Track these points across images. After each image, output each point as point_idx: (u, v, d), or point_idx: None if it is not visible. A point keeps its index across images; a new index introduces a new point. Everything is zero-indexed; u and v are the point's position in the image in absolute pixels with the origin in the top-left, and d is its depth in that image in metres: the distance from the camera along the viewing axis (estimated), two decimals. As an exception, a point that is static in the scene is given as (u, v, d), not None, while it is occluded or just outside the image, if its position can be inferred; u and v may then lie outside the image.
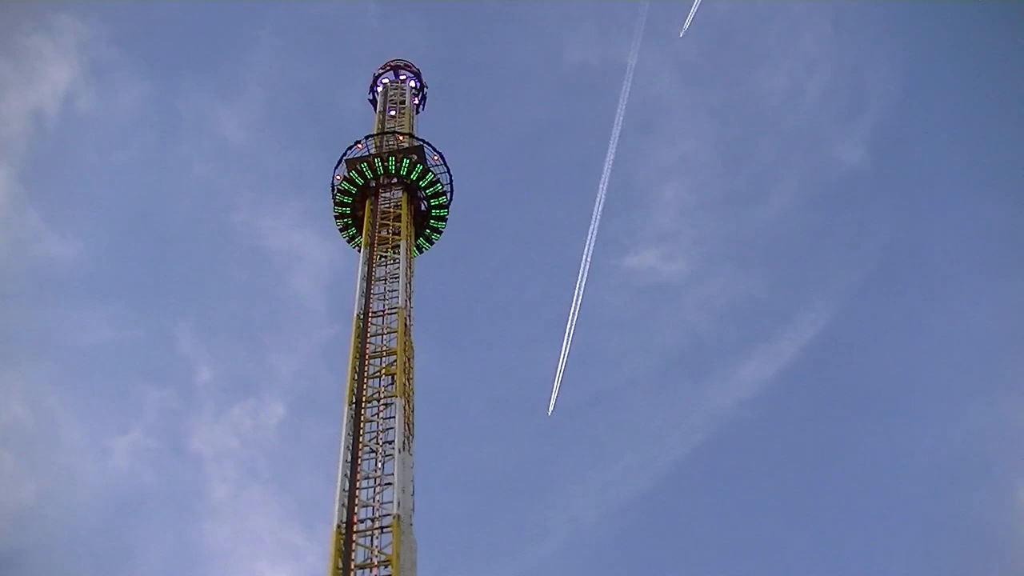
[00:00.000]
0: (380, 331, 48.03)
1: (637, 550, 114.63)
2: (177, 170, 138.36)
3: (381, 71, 68.57)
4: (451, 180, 58.48)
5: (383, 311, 49.19)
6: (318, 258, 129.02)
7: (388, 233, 54.09)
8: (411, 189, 57.28)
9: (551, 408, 67.58)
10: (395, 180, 57.02)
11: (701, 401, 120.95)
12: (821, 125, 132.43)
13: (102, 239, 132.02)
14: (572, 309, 71.49)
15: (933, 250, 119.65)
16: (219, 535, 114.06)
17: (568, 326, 70.17)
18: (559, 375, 66.53)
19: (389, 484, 40.68)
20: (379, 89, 67.23)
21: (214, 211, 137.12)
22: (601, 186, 79.33)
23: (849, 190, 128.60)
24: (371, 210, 55.89)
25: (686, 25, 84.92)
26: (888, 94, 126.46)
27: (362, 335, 47.39)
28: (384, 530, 39.00)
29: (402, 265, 51.66)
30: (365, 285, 50.43)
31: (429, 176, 57.59)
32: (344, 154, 58.71)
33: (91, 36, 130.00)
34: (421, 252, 58.04)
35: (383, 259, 52.58)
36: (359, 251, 54.13)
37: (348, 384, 44.72)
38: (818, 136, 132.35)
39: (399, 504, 39.65)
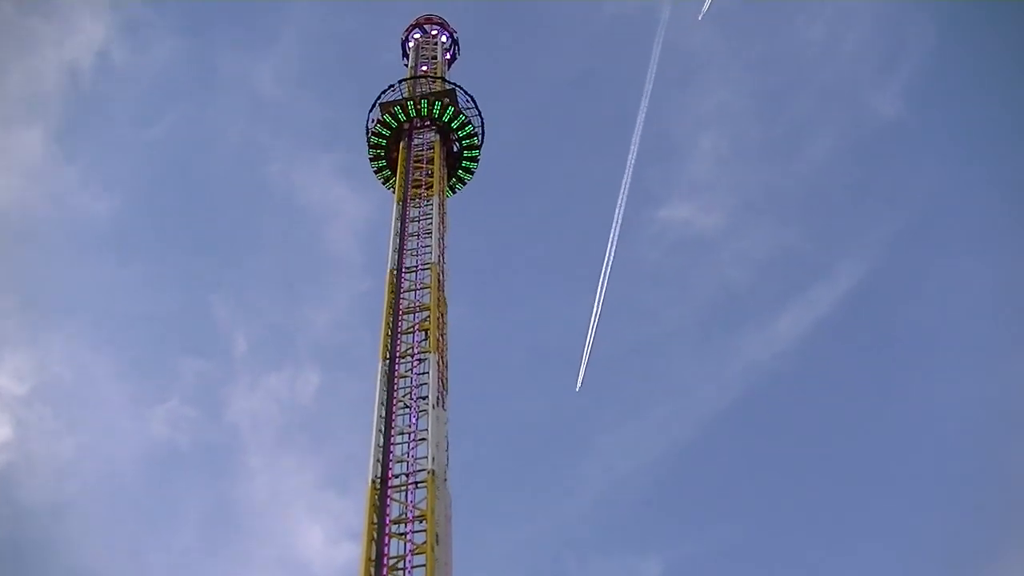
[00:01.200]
0: (413, 286, 47.92)
1: (672, 502, 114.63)
2: (212, 125, 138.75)
3: (412, 27, 68.00)
4: (483, 122, 59.53)
5: (416, 266, 49.04)
6: (353, 211, 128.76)
7: (422, 175, 54.85)
8: (444, 131, 58.39)
9: (580, 379, 67.06)
10: (428, 123, 58.19)
11: (737, 353, 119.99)
12: (859, 76, 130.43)
13: (138, 195, 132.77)
14: (605, 262, 70.99)
15: (972, 203, 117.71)
16: (256, 492, 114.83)
17: (601, 280, 69.66)
18: (588, 345, 66.08)
19: (423, 439, 40.62)
20: (410, 45, 66.78)
21: (249, 165, 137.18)
22: (635, 136, 78.46)
23: (887, 142, 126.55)
24: (404, 154, 56.45)
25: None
26: (926, 46, 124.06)
27: (395, 291, 47.28)
28: (419, 485, 38.94)
29: (435, 220, 51.48)
30: (398, 240, 50.30)
31: (461, 118, 58.56)
32: (378, 98, 59.70)
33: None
34: (454, 192, 59.39)
35: (416, 204, 52.66)
36: (394, 193, 54.63)
37: (382, 340, 44.70)
38: (856, 87, 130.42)
39: (433, 459, 39.64)
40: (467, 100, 59.55)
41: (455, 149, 59.28)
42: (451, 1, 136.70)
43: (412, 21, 69.05)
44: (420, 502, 38.45)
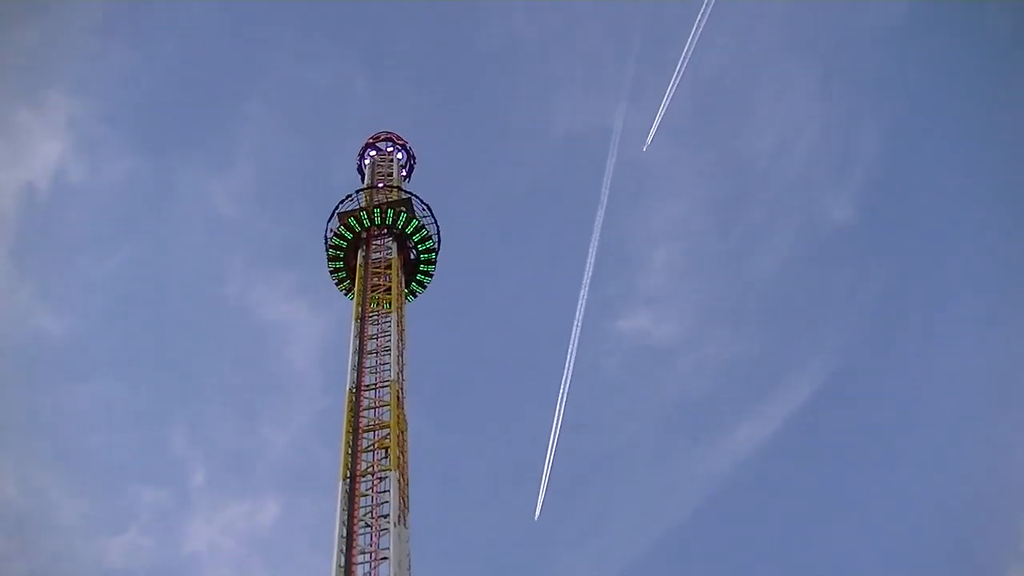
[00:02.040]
0: (373, 404, 48.24)
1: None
2: (169, 244, 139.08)
3: (368, 144, 69.25)
4: (439, 229, 61.23)
5: (375, 384, 49.42)
6: (312, 328, 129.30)
7: (381, 281, 56.08)
8: (401, 239, 59.81)
9: (540, 502, 66.98)
10: (385, 231, 59.46)
11: (697, 464, 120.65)
12: (810, 183, 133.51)
13: (94, 315, 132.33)
14: (565, 374, 71.54)
15: (926, 302, 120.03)
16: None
17: (561, 391, 70.15)
18: (548, 463, 66.20)
19: (385, 559, 40.71)
20: (366, 163, 67.96)
21: (206, 284, 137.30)
22: (591, 249, 79.74)
23: (840, 247, 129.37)
24: (362, 265, 57.40)
25: (651, 135, 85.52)
26: (875, 150, 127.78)
27: (354, 409, 47.53)
28: (382, 606, 38.98)
29: (393, 337, 52.01)
30: (357, 359, 50.69)
31: (416, 224, 60.13)
32: (336, 208, 61.27)
33: (81, 112, 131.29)
34: (415, 296, 60.70)
35: (375, 321, 53.16)
36: (353, 300, 55.54)
37: (342, 459, 44.85)
38: (808, 194, 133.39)
39: (395, 579, 39.65)
40: (423, 208, 61.22)
41: (412, 256, 60.64)
42: (406, 118, 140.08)
43: (368, 138, 70.19)
44: (383, 623, 38.33)
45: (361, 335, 52.20)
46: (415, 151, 70.35)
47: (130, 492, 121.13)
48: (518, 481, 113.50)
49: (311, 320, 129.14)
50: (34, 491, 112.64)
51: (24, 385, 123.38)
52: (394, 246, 59.12)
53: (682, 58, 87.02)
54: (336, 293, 60.70)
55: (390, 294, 55.21)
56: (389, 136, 70.05)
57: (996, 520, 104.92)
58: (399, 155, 68.73)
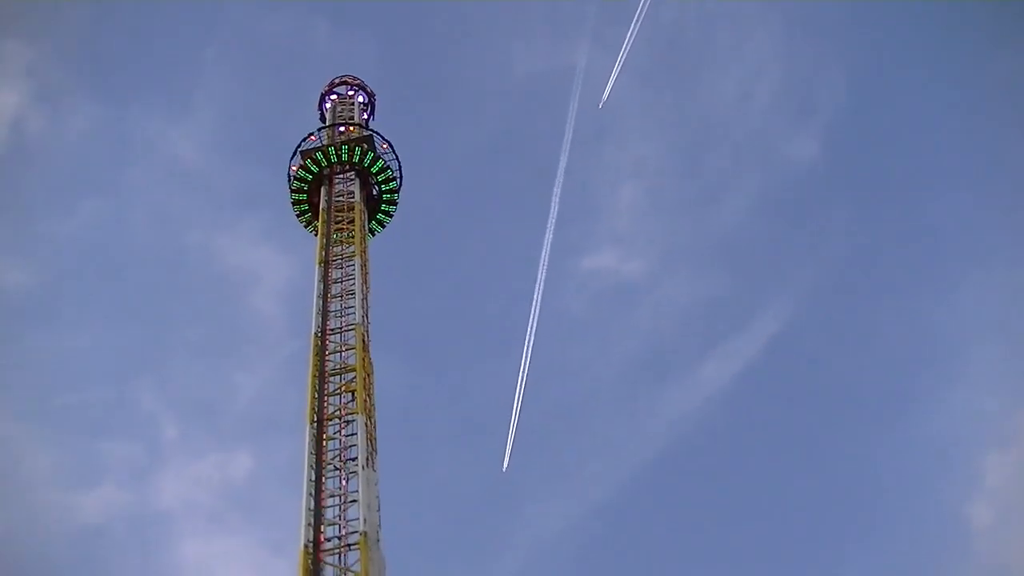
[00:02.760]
0: (339, 348, 48.04)
1: (603, 560, 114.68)
2: (130, 192, 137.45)
3: (328, 88, 68.45)
4: (400, 166, 61.58)
5: (341, 328, 49.16)
6: (276, 274, 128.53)
7: (343, 217, 56.49)
8: (363, 175, 60.07)
9: (509, 447, 66.85)
10: (348, 167, 59.83)
11: (664, 404, 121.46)
12: (774, 127, 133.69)
13: (58, 266, 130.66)
14: (531, 315, 71.37)
15: (890, 248, 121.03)
16: (191, 556, 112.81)
17: (527, 335, 69.98)
18: (516, 409, 66.05)
19: (354, 501, 40.69)
20: (327, 106, 67.19)
21: (169, 232, 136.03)
22: (555, 189, 79.35)
23: (804, 191, 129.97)
24: (325, 204, 57.62)
25: (613, 77, 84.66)
26: (838, 94, 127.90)
27: (320, 353, 47.27)
28: (351, 547, 38.99)
29: (357, 281, 51.67)
30: (321, 303, 50.35)
31: (380, 163, 60.57)
32: (298, 146, 61.37)
33: (39, 61, 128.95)
34: (374, 235, 60.62)
35: (339, 266, 52.86)
36: (318, 239, 55.51)
37: (309, 403, 44.60)
38: (771, 138, 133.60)
39: (365, 521, 39.66)
40: (385, 146, 61.71)
41: (375, 193, 60.95)
42: (367, 65, 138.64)
43: (331, 81, 69.38)
44: (353, 564, 38.46)
45: (325, 279, 51.82)
46: (376, 97, 69.42)
47: (101, 447, 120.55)
48: (486, 423, 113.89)
49: (276, 265, 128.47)
50: (2, 444, 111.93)
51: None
52: (357, 182, 59.32)
53: (642, 3, 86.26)
54: (300, 237, 60.84)
55: (353, 225, 55.50)
56: (349, 80, 69.07)
57: (958, 457, 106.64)
58: (360, 98, 67.80)
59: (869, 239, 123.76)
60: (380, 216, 61.48)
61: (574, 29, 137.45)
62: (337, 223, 56.12)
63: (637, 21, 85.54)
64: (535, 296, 73.18)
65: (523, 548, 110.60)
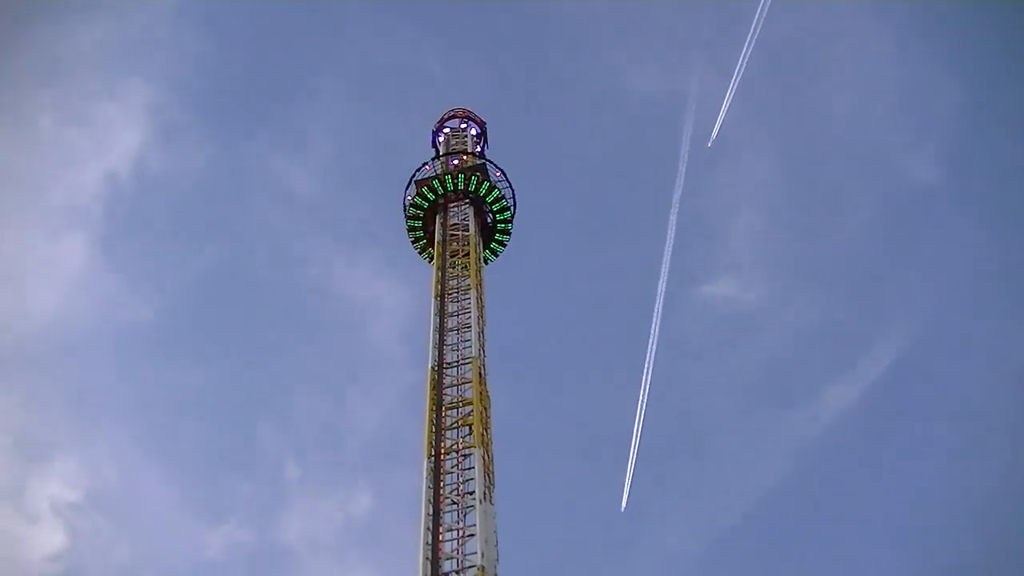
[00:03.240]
0: (455, 382, 48.42)
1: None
2: (249, 227, 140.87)
3: (440, 123, 69.41)
4: (514, 193, 62.67)
5: (457, 361, 49.56)
6: (394, 306, 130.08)
7: (458, 245, 57.51)
8: (477, 204, 61.09)
9: (624, 499, 66.36)
10: (462, 196, 60.88)
11: (787, 429, 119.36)
12: (890, 143, 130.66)
13: (180, 298, 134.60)
14: (650, 341, 70.99)
15: (1016, 265, 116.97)
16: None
17: (647, 360, 69.62)
18: (637, 432, 65.59)
19: (472, 535, 40.87)
20: (440, 139, 68.01)
21: (289, 266, 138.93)
22: (671, 215, 78.90)
23: (923, 208, 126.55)
24: (441, 232, 58.81)
25: (727, 100, 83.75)
26: (956, 109, 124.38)
27: (437, 387, 47.72)
28: (469, 582, 39.17)
29: (473, 314, 52.07)
30: (437, 336, 50.85)
31: (494, 192, 61.63)
32: (413, 175, 63.00)
33: (158, 99, 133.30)
34: (487, 263, 61.20)
35: (454, 299, 53.51)
36: (433, 264, 57.21)
37: (426, 437, 45.08)
38: (888, 154, 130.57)
39: (483, 555, 39.80)
40: (498, 174, 62.77)
41: (489, 221, 61.95)
42: (479, 92, 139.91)
43: (442, 115, 70.25)
44: (472, 599, 38.52)
45: (441, 312, 52.37)
46: (488, 124, 70.14)
47: (224, 481, 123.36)
48: (605, 452, 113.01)
49: (394, 296, 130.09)
50: (131, 476, 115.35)
51: (116, 372, 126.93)
52: (471, 210, 60.20)
53: (755, 22, 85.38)
54: (417, 268, 61.63)
55: (468, 258, 56.20)
56: (462, 113, 69.94)
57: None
58: (472, 130, 68.57)
59: (994, 256, 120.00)
60: (494, 245, 62.37)
61: (688, 50, 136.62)
62: (452, 254, 56.92)
63: (750, 41, 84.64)
64: (654, 321, 72.77)
65: (649, 572, 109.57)
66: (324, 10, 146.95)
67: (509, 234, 62.72)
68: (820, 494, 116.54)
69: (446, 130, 68.85)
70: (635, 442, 65.23)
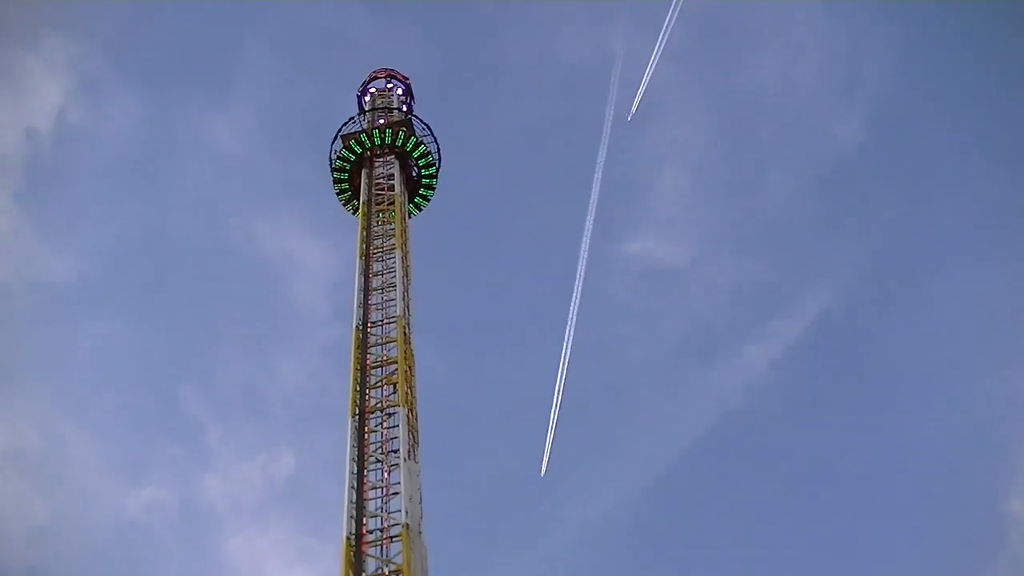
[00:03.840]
0: (380, 341, 48.45)
1: (650, 539, 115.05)
2: (172, 183, 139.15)
3: (365, 83, 69.03)
4: (439, 148, 63.40)
5: (382, 320, 49.60)
6: (318, 264, 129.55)
7: (384, 198, 58.10)
8: (402, 158, 61.64)
9: (544, 467, 66.61)
10: (387, 150, 61.44)
11: (708, 385, 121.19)
12: (818, 107, 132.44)
13: (101, 256, 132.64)
14: (573, 299, 71.37)
15: (938, 227, 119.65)
16: (235, 547, 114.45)
17: (569, 317, 70.00)
18: (559, 388, 65.96)
19: (396, 493, 41.10)
20: (366, 100, 67.69)
21: (212, 224, 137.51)
22: (596, 173, 79.21)
23: (850, 171, 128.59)
24: (366, 184, 59.16)
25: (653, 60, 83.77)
26: (883, 73, 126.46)
27: (362, 346, 47.77)
28: (394, 539, 39.32)
29: (399, 273, 52.10)
30: (363, 296, 50.81)
31: (420, 147, 62.24)
32: (339, 130, 63.17)
33: (80, 53, 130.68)
34: (411, 217, 61.50)
35: (379, 258, 53.46)
36: (356, 215, 58.00)
37: (351, 396, 45.09)
38: (816, 118, 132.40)
39: (407, 513, 40.01)
40: (423, 129, 63.53)
41: (414, 175, 62.62)
42: (409, 55, 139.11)
43: (367, 75, 69.83)
44: (396, 556, 38.84)
45: (366, 272, 52.29)
46: (415, 87, 69.82)
47: (147, 440, 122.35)
48: (529, 406, 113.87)
49: (318, 254, 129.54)
50: (52, 435, 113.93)
51: (34, 328, 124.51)
52: (396, 164, 60.62)
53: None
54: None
55: (393, 206, 57.06)
56: (388, 72, 69.48)
57: (996, 449, 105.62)
58: (398, 90, 68.31)
59: (917, 217, 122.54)
60: (419, 200, 63.05)
61: (614, 11, 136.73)
62: (378, 204, 57.44)
63: (675, 5, 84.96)
64: (577, 279, 73.20)
65: (569, 531, 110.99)
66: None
67: (434, 189, 63.40)
68: (741, 448, 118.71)
69: (372, 90, 68.46)
70: (556, 403, 65.72)
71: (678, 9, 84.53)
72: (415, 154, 62.18)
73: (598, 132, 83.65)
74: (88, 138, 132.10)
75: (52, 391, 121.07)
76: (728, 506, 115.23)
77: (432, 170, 62.98)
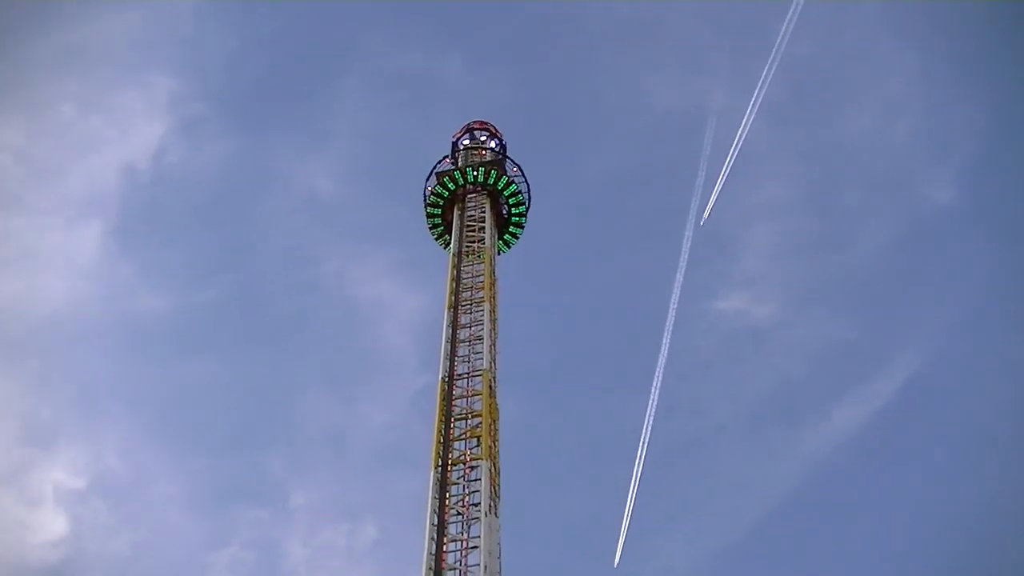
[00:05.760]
0: (465, 393, 48.90)
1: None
2: (266, 223, 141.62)
3: (460, 134, 70.30)
4: (528, 187, 65.81)
5: (468, 373, 50.11)
6: (407, 308, 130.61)
7: (475, 243, 59.91)
8: (493, 195, 64.08)
9: (617, 557, 65.66)
10: (479, 188, 64.02)
11: (794, 446, 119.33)
12: (910, 165, 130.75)
13: (194, 293, 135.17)
14: (660, 354, 71.08)
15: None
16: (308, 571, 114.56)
17: (656, 373, 69.71)
18: (643, 443, 65.47)
19: (475, 547, 41.39)
20: (459, 150, 68.66)
21: (303, 264, 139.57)
22: (688, 228, 79.04)
23: (940, 230, 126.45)
24: (456, 233, 60.86)
25: (748, 117, 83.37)
26: (976, 133, 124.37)
27: (447, 398, 48.23)
28: (472, 593, 39.72)
29: (486, 326, 52.61)
30: (449, 347, 51.39)
31: (511, 186, 64.64)
32: (434, 168, 66.26)
33: (181, 92, 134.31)
34: (500, 254, 63.75)
35: (467, 311, 54.09)
36: (449, 256, 59.46)
37: (434, 447, 45.59)
38: (907, 176, 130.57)
39: (486, 568, 40.34)
40: (514, 169, 65.96)
41: (504, 213, 64.84)
42: (500, 101, 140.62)
43: (462, 126, 71.09)
44: (473, 611, 39.06)
45: (454, 323, 52.93)
46: (507, 137, 71.16)
47: (229, 460, 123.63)
48: (610, 463, 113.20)
49: (407, 298, 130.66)
50: (136, 466, 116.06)
51: (125, 362, 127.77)
52: (487, 203, 62.95)
53: (779, 39, 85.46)
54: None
55: (483, 247, 58.94)
56: (482, 125, 70.86)
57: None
58: (492, 143, 69.35)
59: (1008, 279, 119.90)
60: (507, 237, 65.18)
61: (710, 63, 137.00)
62: (469, 244, 59.25)
63: (773, 59, 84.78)
64: (665, 334, 72.91)
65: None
66: (347, 10, 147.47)
67: (523, 227, 65.66)
68: (826, 513, 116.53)
69: (465, 140, 69.58)
70: (638, 465, 65.21)
71: (776, 62, 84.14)
72: (506, 192, 64.38)
73: (691, 184, 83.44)
74: (184, 175, 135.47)
75: (138, 422, 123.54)
76: (808, 572, 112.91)
77: (522, 208, 65.15)
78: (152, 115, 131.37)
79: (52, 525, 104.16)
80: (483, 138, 69.25)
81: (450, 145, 69.78)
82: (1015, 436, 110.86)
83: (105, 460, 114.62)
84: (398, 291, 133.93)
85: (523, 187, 65.06)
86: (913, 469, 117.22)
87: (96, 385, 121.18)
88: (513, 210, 64.96)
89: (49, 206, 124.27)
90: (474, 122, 71.10)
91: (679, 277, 75.81)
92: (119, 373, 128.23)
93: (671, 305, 74.51)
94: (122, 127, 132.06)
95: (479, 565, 40.49)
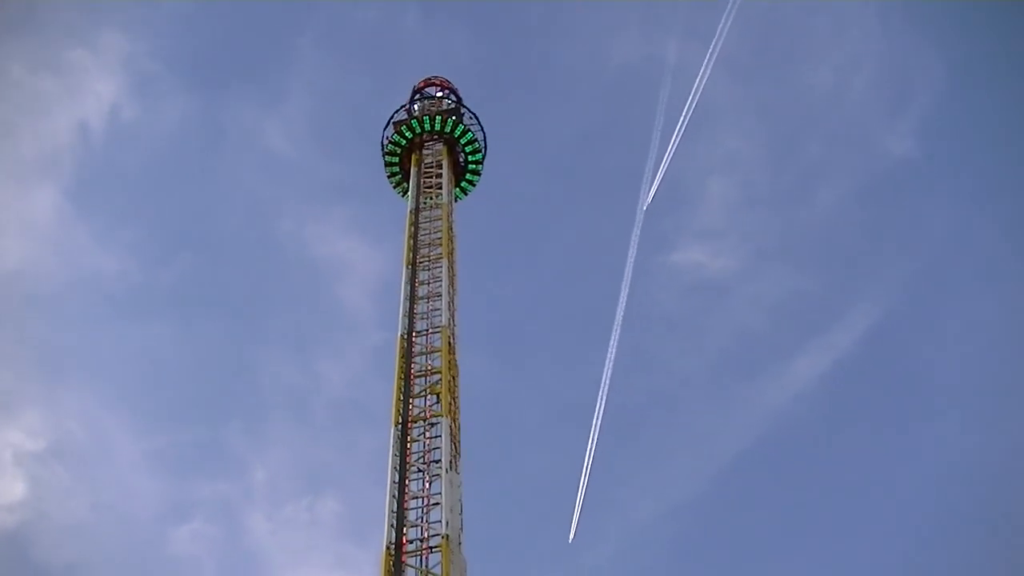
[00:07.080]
0: (424, 350, 48.56)
1: (693, 550, 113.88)
2: (223, 181, 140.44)
3: (416, 89, 69.92)
4: (485, 136, 66.42)
5: (427, 330, 49.70)
6: (365, 265, 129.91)
7: (433, 188, 60.68)
8: (450, 143, 64.75)
9: (573, 529, 65.23)
10: (436, 136, 64.61)
11: (755, 398, 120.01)
12: (868, 119, 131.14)
13: (148, 254, 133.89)
14: (618, 309, 70.89)
15: (989, 241, 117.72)
16: (272, 544, 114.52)
17: (614, 328, 69.54)
18: (602, 399, 65.28)
19: (437, 504, 41.20)
20: (416, 107, 68.09)
21: (261, 223, 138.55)
22: (645, 183, 78.71)
23: (899, 183, 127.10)
24: (413, 197, 60.32)
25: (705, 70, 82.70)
26: (935, 85, 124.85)
27: (406, 355, 47.85)
28: (433, 550, 39.48)
29: (444, 283, 52.19)
30: (408, 305, 50.94)
31: (468, 134, 65.41)
32: (391, 118, 66.71)
33: (134, 50, 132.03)
34: (457, 200, 64.37)
35: (425, 267, 53.82)
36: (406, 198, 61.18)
37: (394, 405, 45.24)
38: (866, 130, 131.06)
39: (447, 524, 40.11)
40: (471, 119, 66.46)
41: (461, 161, 65.55)
42: (458, 56, 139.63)
43: (417, 83, 70.62)
44: (435, 567, 38.94)
45: (412, 281, 52.46)
46: (464, 92, 70.79)
47: (188, 420, 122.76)
48: (571, 420, 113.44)
49: (364, 256, 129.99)
50: (96, 429, 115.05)
51: (81, 323, 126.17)
52: (444, 149, 63.47)
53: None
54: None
55: (441, 189, 59.92)
56: (439, 81, 70.55)
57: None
58: (448, 101, 68.82)
59: (967, 231, 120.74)
60: (464, 184, 65.84)
61: (666, 18, 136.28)
62: (427, 189, 60.17)
63: (729, 13, 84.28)
64: (623, 285, 72.69)
65: (610, 542, 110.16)
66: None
67: (479, 175, 66.32)
68: (787, 463, 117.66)
69: (419, 99, 69.03)
70: (597, 417, 65.06)
71: (732, 15, 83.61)
72: (463, 140, 65.03)
73: (647, 139, 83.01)
74: (140, 136, 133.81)
75: (98, 386, 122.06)
76: (770, 521, 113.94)
77: (479, 156, 65.75)
78: (104, 74, 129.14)
79: (10, 488, 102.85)
80: (439, 94, 68.77)
81: (407, 102, 69.29)
82: (972, 386, 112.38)
83: (64, 424, 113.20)
84: (357, 249, 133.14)
85: (480, 135, 65.85)
86: (872, 418, 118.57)
87: (53, 348, 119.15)
88: (470, 158, 65.71)
89: (1, 168, 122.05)
90: (431, 78, 70.84)
91: (637, 228, 75.53)
92: (78, 337, 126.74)
93: (629, 257, 74.23)
94: (73, 86, 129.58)
95: (441, 521, 40.28)
